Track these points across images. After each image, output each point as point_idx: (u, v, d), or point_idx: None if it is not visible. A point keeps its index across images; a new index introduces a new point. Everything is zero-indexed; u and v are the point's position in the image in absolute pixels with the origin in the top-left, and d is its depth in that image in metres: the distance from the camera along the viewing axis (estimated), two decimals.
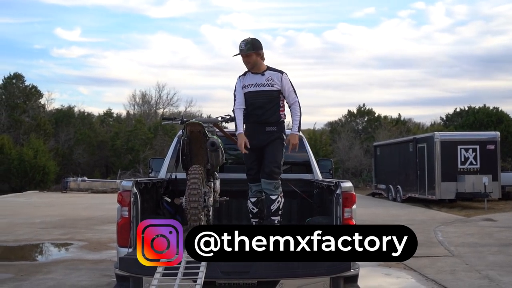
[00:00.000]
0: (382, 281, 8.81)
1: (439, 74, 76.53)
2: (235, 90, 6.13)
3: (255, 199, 6.13)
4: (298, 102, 6.01)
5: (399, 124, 49.85)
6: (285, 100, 6.11)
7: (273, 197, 6.00)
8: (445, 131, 38.20)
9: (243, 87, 6.03)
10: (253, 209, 6.11)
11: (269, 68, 6.04)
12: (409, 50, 76.38)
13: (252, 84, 5.97)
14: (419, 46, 77.27)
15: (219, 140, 6.13)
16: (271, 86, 5.93)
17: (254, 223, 6.07)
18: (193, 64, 77.98)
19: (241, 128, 6.00)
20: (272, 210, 6.00)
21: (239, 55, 5.98)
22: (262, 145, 6.00)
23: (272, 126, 6.01)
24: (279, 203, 6.02)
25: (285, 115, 6.16)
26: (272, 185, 6.00)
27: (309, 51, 77.99)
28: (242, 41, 5.94)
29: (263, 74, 5.96)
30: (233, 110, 6.13)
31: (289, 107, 6.08)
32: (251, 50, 5.91)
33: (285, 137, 6.09)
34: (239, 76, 6.14)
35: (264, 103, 5.94)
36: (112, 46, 78.11)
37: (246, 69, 6.11)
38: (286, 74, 6.02)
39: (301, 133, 8.17)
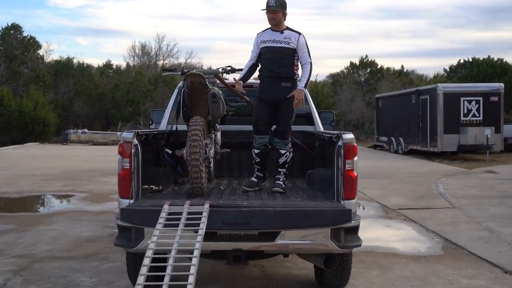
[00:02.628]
0: (382, 233, 8.92)
1: (443, 24, 75.88)
2: (253, 47, 6.34)
3: (259, 150, 6.30)
4: (311, 63, 6.15)
5: (402, 76, 49.65)
6: (299, 60, 6.26)
7: (283, 151, 6.28)
8: (449, 82, 38.02)
9: (261, 42, 6.22)
10: (256, 158, 6.33)
11: (288, 28, 6.22)
12: (413, 0, 75.37)
13: (271, 40, 6.17)
14: None
15: (220, 92, 6.11)
16: (288, 44, 6.11)
17: (256, 169, 6.32)
18: (193, 14, 77.24)
19: (243, 75, 6.28)
20: (280, 163, 6.27)
21: (265, 10, 6.11)
22: (277, 100, 6.16)
23: (287, 82, 6.16)
24: (286, 157, 6.29)
25: (298, 75, 6.29)
26: (283, 142, 6.27)
27: (311, 1, 77.06)
28: None
29: (282, 32, 6.15)
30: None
31: (301, 66, 6.23)
32: (279, 8, 6.09)
33: None
34: (258, 34, 6.32)
35: (280, 58, 6.11)
36: None
37: (267, 26, 6.25)
38: (304, 36, 6.18)
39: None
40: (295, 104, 6.07)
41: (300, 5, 75.85)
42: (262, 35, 6.26)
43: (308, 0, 76.93)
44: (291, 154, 6.34)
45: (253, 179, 6.23)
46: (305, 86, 6.12)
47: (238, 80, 6.24)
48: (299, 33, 6.17)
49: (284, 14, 6.17)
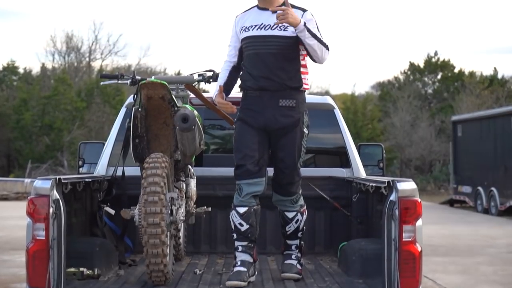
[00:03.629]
0: None
1: None
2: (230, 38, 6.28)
3: (245, 208, 6.05)
4: (328, 48, 6.01)
5: (495, 85, 49.87)
6: (306, 56, 6.17)
7: (290, 214, 6.16)
8: None
9: (242, 30, 6.12)
10: (241, 225, 6.04)
11: (285, 4, 6.01)
12: None
13: (256, 26, 6.05)
14: None
15: (196, 112, 6.15)
16: (285, 30, 5.98)
17: (240, 248, 6.05)
18: None
19: (222, 80, 6.20)
20: (289, 232, 6.17)
21: None
22: (272, 129, 6.05)
23: (289, 99, 6.02)
24: (298, 223, 6.17)
25: (308, 84, 6.26)
26: (289, 200, 6.16)
27: None
28: None
29: (274, 12, 5.94)
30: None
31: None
32: None
33: (306, 121, 6.14)
34: (237, 16, 6.27)
35: (274, 55, 5.98)
36: None
37: (250, 5, 6.22)
38: (311, 13, 6.08)
39: (330, 100, 8.20)
40: (278, 15, 5.74)
41: None
42: (243, 17, 6.20)
43: None
44: (305, 215, 6.23)
45: (239, 268, 5.95)
46: (305, 27, 5.79)
47: (218, 94, 6.11)
48: (303, 10, 6.07)
49: None
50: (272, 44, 5.98)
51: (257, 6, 6.13)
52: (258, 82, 5.96)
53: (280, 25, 5.89)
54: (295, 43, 6.00)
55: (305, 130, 6.11)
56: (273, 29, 5.96)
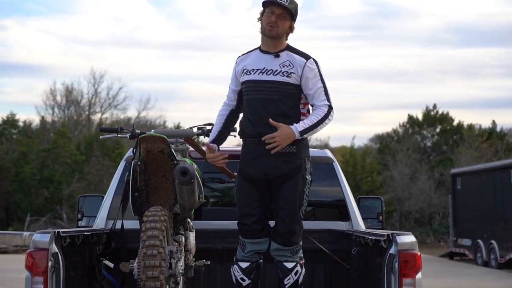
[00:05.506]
0: None
1: None
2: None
3: (247, 264, 6.12)
4: (329, 106, 5.98)
5: (494, 138, 49.97)
6: (308, 104, 6.15)
7: (289, 265, 6.05)
8: None
9: (243, 73, 6.12)
10: (243, 280, 6.09)
11: (289, 48, 6.09)
12: (508, 16, 76.75)
13: (258, 70, 6.04)
14: None
15: (195, 166, 6.16)
16: (287, 76, 5.98)
17: None
18: (150, 39, 78.33)
19: (215, 133, 6.19)
20: (287, 286, 6.03)
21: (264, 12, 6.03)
22: (272, 177, 6.03)
23: (290, 145, 5.96)
24: (297, 275, 6.06)
25: None
26: (289, 250, 6.07)
27: (343, 18, 78.48)
28: None
29: (277, 55, 6.02)
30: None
31: (312, 109, 6.10)
32: (293, 10, 6.02)
33: (309, 167, 6.11)
34: (238, 57, 6.27)
35: (274, 102, 5.97)
36: (16, 10, 78.55)
37: (254, 47, 6.22)
38: (315, 60, 6.07)
39: (329, 154, 8.23)
40: (271, 144, 5.79)
41: (326, 25, 77.23)
42: (244, 59, 6.19)
43: (337, 16, 78.23)
44: (304, 268, 6.14)
45: None
46: (302, 133, 5.85)
47: (209, 143, 6.14)
48: (307, 57, 6.06)
49: (291, 27, 6.09)
50: (274, 90, 5.96)
51: (259, 48, 6.12)
52: (257, 128, 5.95)
53: (283, 70, 5.92)
54: (298, 90, 6.00)
55: (308, 177, 6.06)
56: (276, 75, 5.94)
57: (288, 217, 6.00)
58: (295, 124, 5.81)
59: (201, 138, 6.80)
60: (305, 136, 5.85)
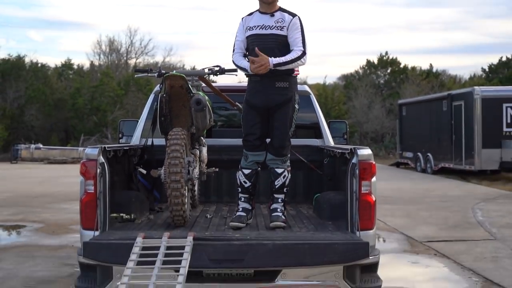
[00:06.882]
0: (407, 271, 8.91)
1: (481, 14, 76.22)
2: (236, 36, 6.17)
3: (249, 170, 6.11)
4: (303, 51, 5.91)
5: (431, 77, 49.89)
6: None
7: (279, 170, 6.07)
8: (488, 85, 38.18)
9: (247, 29, 6.07)
10: (245, 182, 6.10)
11: (281, 9, 6.08)
12: None
13: (258, 26, 6.01)
14: None
15: (206, 97, 6.14)
16: (280, 30, 5.96)
17: (242, 199, 6.11)
18: (172, 2, 77.47)
19: (244, 62, 5.97)
20: (276, 186, 6.06)
21: None
22: (270, 105, 6.00)
23: (283, 81, 5.98)
24: (285, 179, 6.08)
25: (299, 71, 6.16)
26: (280, 160, 6.08)
27: None
28: None
29: (272, 15, 6.01)
30: (233, 61, 6.13)
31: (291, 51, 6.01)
32: None
33: (297, 99, 6.10)
34: (243, 18, 6.18)
35: (271, 49, 5.90)
36: None
37: (254, 9, 6.13)
38: (299, 18, 6.03)
39: (307, 88, 8.20)
40: (251, 66, 5.75)
41: None
42: (248, 19, 6.13)
43: None
44: (290, 174, 6.14)
45: (240, 213, 5.99)
46: (275, 65, 5.74)
47: (246, 67, 5.91)
48: (294, 15, 6.02)
49: None
50: (271, 40, 5.93)
51: (258, 10, 6.06)
52: None
53: (277, 25, 5.92)
54: (287, 40, 5.96)
55: (296, 106, 6.07)
56: (272, 29, 5.94)
57: (281, 135, 6.00)
58: (273, 57, 5.76)
59: (211, 77, 6.73)
60: (277, 68, 5.77)
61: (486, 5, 77.11)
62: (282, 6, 6.08)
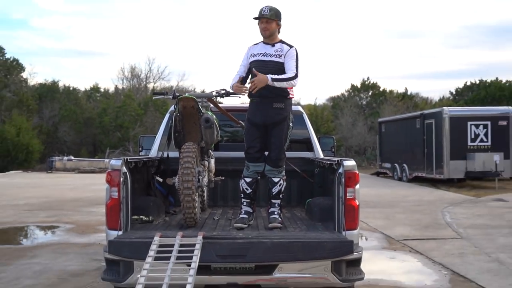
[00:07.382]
0: (386, 265, 8.89)
1: (448, 45, 76.51)
2: (242, 61, 6.21)
3: (250, 179, 6.14)
4: (296, 74, 5.91)
5: (406, 99, 49.89)
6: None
7: (276, 179, 6.10)
8: (455, 106, 38.20)
9: (251, 56, 6.11)
10: (247, 189, 6.14)
11: (281, 41, 6.12)
12: (416, 20, 76.10)
13: (261, 53, 6.05)
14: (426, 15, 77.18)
15: (214, 116, 6.17)
16: (279, 57, 6.00)
17: (245, 203, 6.12)
18: (184, 36, 77.78)
19: (236, 80, 6.01)
20: (274, 193, 6.10)
21: (258, 20, 6.04)
22: (268, 123, 6.03)
23: (280, 103, 6.02)
24: (280, 186, 6.11)
25: (293, 93, 6.19)
26: (276, 170, 6.10)
27: (310, 13, 77.63)
28: (265, 7, 6.01)
29: (273, 45, 6.05)
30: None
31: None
32: (273, 17, 6.01)
33: (291, 118, 6.13)
34: (249, 47, 6.23)
35: (271, 73, 5.88)
36: (96, 14, 77.67)
37: (258, 41, 6.18)
38: (296, 49, 6.06)
39: (301, 108, 8.22)
40: (250, 87, 5.77)
41: (298, 17, 76.46)
42: (253, 48, 6.16)
43: (307, 13, 77.43)
44: (285, 183, 6.18)
45: (243, 215, 6.01)
46: (273, 80, 5.74)
47: (235, 84, 5.97)
48: (291, 46, 6.05)
49: (278, 25, 6.08)
50: (270, 65, 5.96)
51: (262, 41, 6.12)
52: (259, 92, 5.86)
53: (276, 54, 5.97)
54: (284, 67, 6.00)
55: (291, 124, 6.12)
56: (272, 57, 5.99)
57: (277, 149, 6.03)
58: (270, 75, 5.77)
59: (218, 98, 6.75)
60: (275, 83, 5.77)
61: (453, 38, 77.25)
62: (282, 39, 6.13)
